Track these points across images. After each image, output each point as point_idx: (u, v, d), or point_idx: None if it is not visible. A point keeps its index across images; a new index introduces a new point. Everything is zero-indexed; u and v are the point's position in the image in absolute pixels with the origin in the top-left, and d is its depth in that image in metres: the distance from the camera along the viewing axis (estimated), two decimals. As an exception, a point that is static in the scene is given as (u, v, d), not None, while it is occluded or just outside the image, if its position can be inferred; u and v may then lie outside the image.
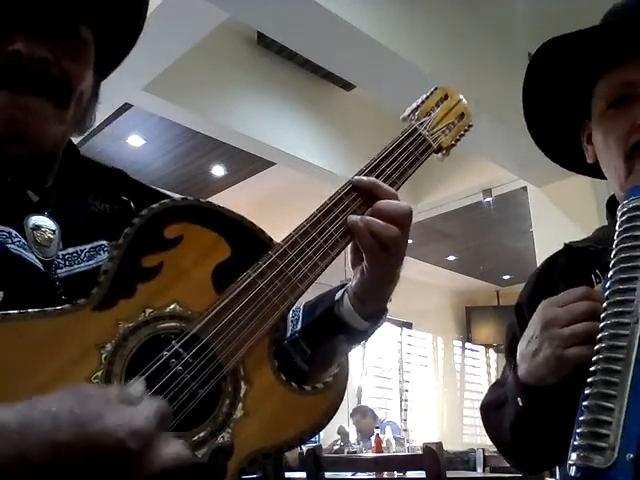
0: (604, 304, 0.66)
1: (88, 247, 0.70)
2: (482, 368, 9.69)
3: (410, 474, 2.94)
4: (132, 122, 4.86)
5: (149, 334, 0.58)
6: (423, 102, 0.83)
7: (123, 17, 0.78)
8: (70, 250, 0.69)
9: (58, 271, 0.67)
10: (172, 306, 0.59)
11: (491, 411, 0.92)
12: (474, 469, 4.53)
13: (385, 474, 3.07)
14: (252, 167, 5.73)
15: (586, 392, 0.61)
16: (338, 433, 5.28)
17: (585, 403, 0.60)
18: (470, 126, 0.85)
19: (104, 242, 0.72)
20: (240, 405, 0.59)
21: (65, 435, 0.44)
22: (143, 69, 3.52)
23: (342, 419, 6.02)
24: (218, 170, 5.82)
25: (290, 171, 5.30)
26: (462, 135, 0.84)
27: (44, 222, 0.68)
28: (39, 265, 0.65)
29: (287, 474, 2.90)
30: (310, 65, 4.59)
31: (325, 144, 5.06)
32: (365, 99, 5.21)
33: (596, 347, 0.63)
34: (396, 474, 3.08)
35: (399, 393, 8.42)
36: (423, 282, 8.34)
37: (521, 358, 0.77)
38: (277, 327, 0.64)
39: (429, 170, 5.48)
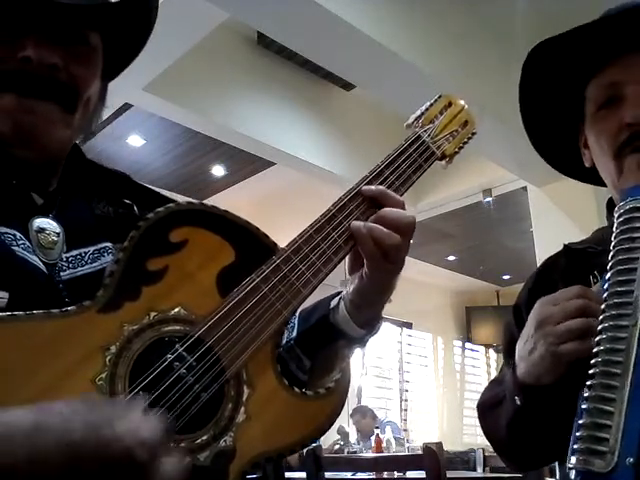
0: (602, 306, 0.66)
1: (92, 249, 0.71)
2: (482, 368, 9.69)
3: (410, 474, 2.94)
4: (132, 122, 4.86)
5: (153, 337, 0.58)
6: (427, 109, 0.83)
7: (132, 24, 0.79)
8: (74, 252, 0.69)
9: (62, 273, 0.67)
10: (176, 309, 0.60)
11: (488, 409, 0.92)
12: (474, 469, 4.54)
13: (385, 474, 3.07)
14: (252, 167, 5.72)
15: (585, 395, 0.61)
16: (338, 433, 5.28)
17: (584, 406, 0.60)
18: (474, 134, 0.86)
19: (108, 244, 0.72)
20: (243, 409, 0.60)
21: (80, 435, 0.44)
22: (143, 69, 3.52)
23: (342, 419, 6.02)
24: (218, 170, 5.82)
25: (290, 171, 5.30)
26: (465, 143, 0.85)
27: (48, 225, 0.69)
28: (43, 268, 0.65)
29: (287, 474, 2.90)
30: (310, 65, 4.58)
31: (325, 144, 5.06)
32: (365, 99, 5.20)
33: (595, 350, 0.63)
34: (396, 474, 3.08)
35: (399, 393, 8.42)
36: (423, 282, 8.34)
37: (519, 358, 0.78)
38: (280, 331, 0.64)
39: (429, 170, 5.46)
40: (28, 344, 0.53)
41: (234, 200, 5.96)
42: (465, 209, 6.22)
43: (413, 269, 7.68)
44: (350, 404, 6.42)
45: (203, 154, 5.47)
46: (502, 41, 3.97)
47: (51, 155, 0.73)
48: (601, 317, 0.65)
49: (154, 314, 0.59)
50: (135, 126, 4.98)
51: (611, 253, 0.68)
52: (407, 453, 4.25)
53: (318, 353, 0.77)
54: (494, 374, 9.53)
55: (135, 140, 5.21)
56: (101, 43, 0.76)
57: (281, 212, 5.92)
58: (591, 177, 1.00)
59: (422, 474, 2.01)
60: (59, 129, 0.71)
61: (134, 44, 0.83)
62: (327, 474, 2.52)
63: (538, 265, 1.03)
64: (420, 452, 2.10)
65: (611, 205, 0.97)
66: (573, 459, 0.57)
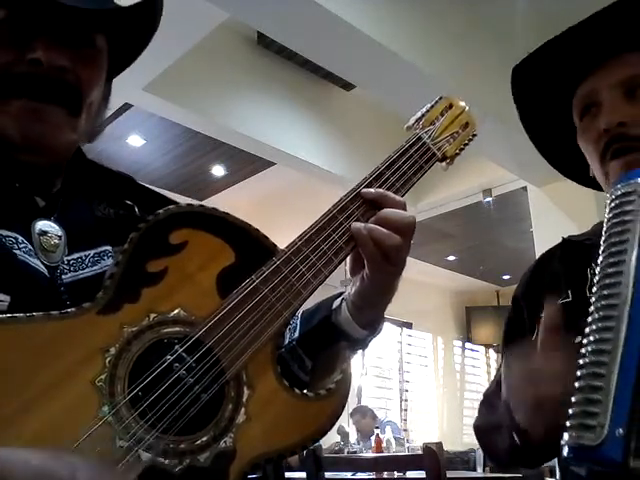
0: (594, 288, 0.66)
1: (92, 253, 0.71)
2: (482, 368, 9.69)
3: (410, 474, 2.94)
4: (132, 122, 4.86)
5: (153, 338, 0.58)
6: (427, 111, 0.83)
7: (138, 27, 0.79)
8: (75, 256, 0.69)
9: (63, 276, 0.67)
10: (176, 311, 0.60)
11: (484, 434, 0.94)
12: (474, 469, 4.55)
13: (385, 474, 3.08)
14: (252, 167, 5.72)
15: (577, 374, 0.62)
16: (338, 433, 5.28)
17: (577, 385, 0.61)
18: (474, 135, 0.86)
19: (108, 248, 0.72)
20: (243, 410, 0.60)
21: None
22: (143, 69, 3.53)
23: (342, 419, 5.99)
24: (218, 170, 5.82)
25: (290, 171, 5.30)
26: (466, 144, 0.85)
27: (50, 227, 0.69)
28: (44, 271, 0.65)
29: (287, 474, 2.90)
30: (310, 65, 4.58)
31: (325, 144, 5.06)
32: (365, 99, 5.20)
33: (587, 329, 0.64)
34: (396, 474, 3.08)
35: (399, 393, 8.42)
36: (423, 282, 8.34)
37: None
38: (280, 333, 0.64)
39: (429, 170, 5.48)
40: (28, 345, 0.53)
41: (234, 200, 5.96)
42: (465, 209, 6.22)
43: (413, 269, 7.68)
44: (350, 404, 6.42)
45: (203, 154, 5.47)
46: (502, 41, 3.96)
47: (57, 159, 0.73)
48: (593, 298, 0.65)
49: (154, 315, 0.59)
50: (135, 126, 4.97)
51: (603, 237, 0.68)
52: (407, 453, 4.26)
53: (320, 354, 0.76)
54: (494, 374, 9.52)
55: (135, 140, 5.21)
56: (106, 45, 0.76)
57: (281, 212, 5.92)
58: (593, 182, 1.01)
59: (422, 474, 2.01)
60: (65, 133, 0.71)
61: (137, 45, 0.83)
62: (327, 474, 2.52)
63: (538, 264, 1.03)
64: (420, 452, 2.10)
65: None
66: (566, 436, 0.57)
